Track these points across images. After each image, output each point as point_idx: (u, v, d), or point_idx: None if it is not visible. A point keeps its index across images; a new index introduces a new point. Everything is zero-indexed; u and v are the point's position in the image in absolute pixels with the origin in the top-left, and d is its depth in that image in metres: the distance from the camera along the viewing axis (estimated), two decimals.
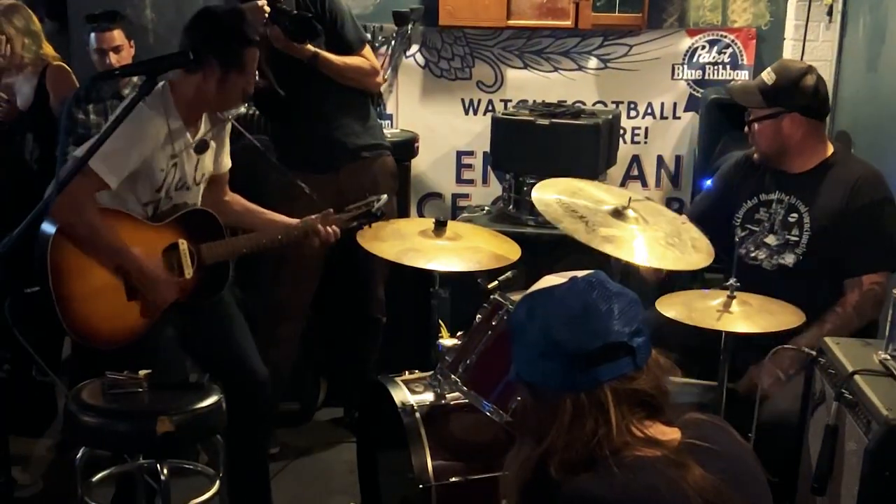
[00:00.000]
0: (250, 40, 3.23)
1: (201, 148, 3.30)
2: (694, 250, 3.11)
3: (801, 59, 4.67)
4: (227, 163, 3.54)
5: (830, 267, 3.27)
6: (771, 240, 3.37)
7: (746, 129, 3.44)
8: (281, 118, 4.15)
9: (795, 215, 3.33)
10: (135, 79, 4.22)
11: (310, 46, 3.92)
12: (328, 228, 3.41)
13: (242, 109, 3.39)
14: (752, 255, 3.39)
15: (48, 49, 4.60)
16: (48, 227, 3.09)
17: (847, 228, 3.25)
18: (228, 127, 3.48)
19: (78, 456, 3.09)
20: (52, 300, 3.06)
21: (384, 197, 3.43)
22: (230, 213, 3.55)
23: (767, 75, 3.37)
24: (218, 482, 3.23)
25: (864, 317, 3.22)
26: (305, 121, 4.07)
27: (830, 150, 3.38)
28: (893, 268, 3.27)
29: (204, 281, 3.31)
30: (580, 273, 1.79)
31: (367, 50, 4.16)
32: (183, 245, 3.26)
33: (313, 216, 3.43)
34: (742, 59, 4.99)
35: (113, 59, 4.26)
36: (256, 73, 3.33)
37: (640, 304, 1.76)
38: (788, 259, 3.33)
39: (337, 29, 4.06)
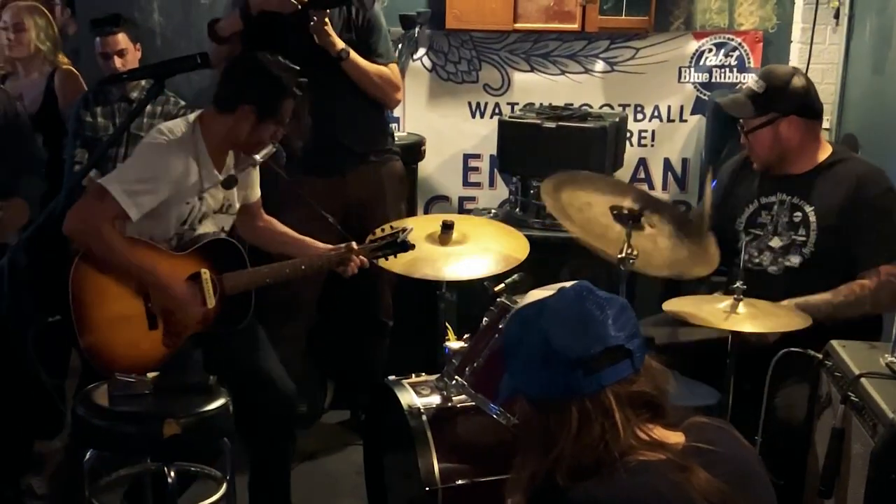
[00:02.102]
0: (289, 92, 3.25)
1: (229, 184, 3.31)
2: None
3: (808, 61, 4.68)
4: (256, 192, 3.55)
5: (838, 264, 3.26)
6: (775, 242, 3.37)
7: (743, 140, 3.44)
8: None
9: (800, 214, 3.33)
10: (143, 82, 4.26)
11: (341, 42, 3.91)
12: (354, 259, 3.39)
13: (273, 149, 3.37)
14: (756, 259, 3.39)
15: (62, 56, 4.64)
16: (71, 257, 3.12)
17: (856, 222, 3.24)
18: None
19: (86, 458, 3.10)
20: (74, 329, 3.08)
21: (410, 227, 3.42)
22: (265, 238, 3.58)
23: (756, 83, 3.38)
24: (225, 485, 3.24)
25: (879, 305, 3.20)
26: (314, 122, 4.06)
27: (829, 149, 3.39)
28: None
29: (226, 311, 3.31)
30: (566, 284, 1.81)
31: (395, 66, 4.13)
32: (206, 274, 3.26)
33: (340, 247, 3.41)
34: (749, 62, 4.98)
35: (117, 62, 4.27)
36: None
37: (631, 308, 1.77)
38: (794, 260, 3.32)
39: (370, 39, 4.04)
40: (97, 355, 3.17)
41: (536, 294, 1.82)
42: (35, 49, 4.52)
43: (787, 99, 3.31)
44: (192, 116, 3.30)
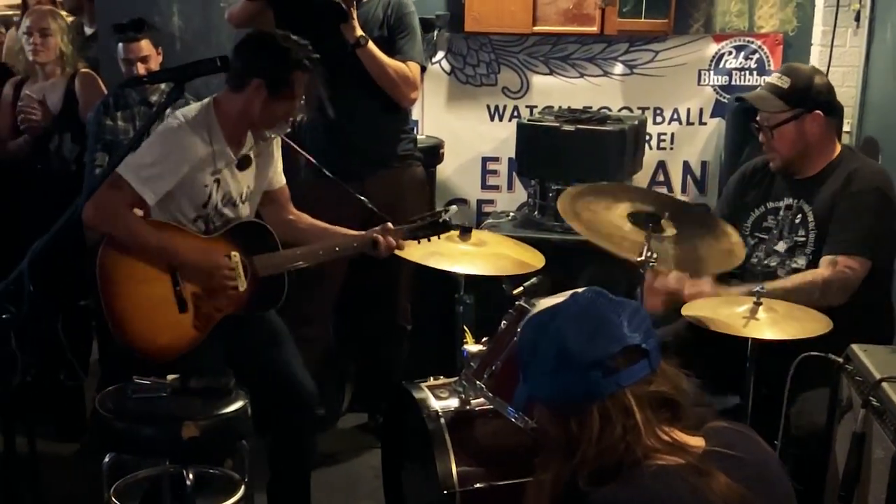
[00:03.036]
0: (300, 63, 3.23)
1: (243, 164, 3.31)
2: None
3: (829, 64, 4.65)
4: (279, 179, 3.54)
5: None
6: (781, 246, 3.38)
7: (762, 137, 3.43)
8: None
9: (800, 216, 3.34)
10: (162, 85, 4.27)
11: (360, 30, 3.89)
12: (388, 240, 3.37)
13: (287, 128, 3.37)
14: (765, 262, 3.39)
15: (81, 61, 4.67)
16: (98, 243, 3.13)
17: (835, 213, 3.25)
18: (276, 144, 3.47)
19: (105, 460, 3.11)
20: (104, 314, 3.09)
21: (453, 208, 3.41)
22: (295, 231, 3.55)
23: (780, 80, 3.38)
24: (243, 487, 3.24)
25: (827, 296, 3.14)
26: (334, 125, 4.05)
27: (838, 150, 3.39)
28: (871, 258, 3.20)
29: (258, 294, 3.31)
30: (578, 290, 1.82)
31: (414, 66, 4.07)
32: (236, 257, 3.26)
33: (375, 229, 3.40)
34: (769, 65, 4.96)
35: (141, 69, 4.27)
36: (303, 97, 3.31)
37: (644, 310, 1.78)
38: (800, 261, 3.33)
39: (399, 38, 4.03)
40: (128, 341, 3.18)
41: (547, 302, 1.82)
42: (59, 53, 4.55)
43: (813, 95, 3.33)
44: (207, 99, 3.30)
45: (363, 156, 4.08)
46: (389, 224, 3.39)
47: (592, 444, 1.68)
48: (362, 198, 3.64)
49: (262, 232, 3.35)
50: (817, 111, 3.31)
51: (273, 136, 3.35)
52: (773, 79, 3.42)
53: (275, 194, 3.54)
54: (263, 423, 3.28)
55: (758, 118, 3.43)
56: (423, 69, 4.19)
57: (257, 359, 3.40)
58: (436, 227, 3.36)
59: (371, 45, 3.91)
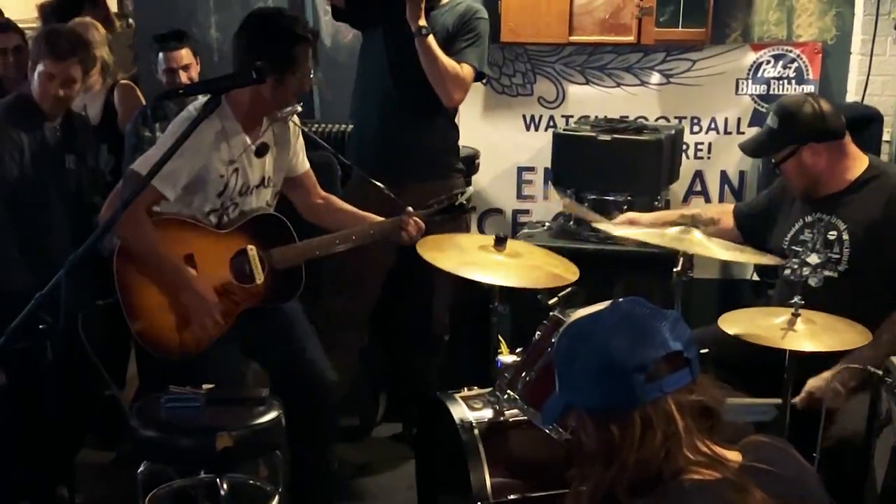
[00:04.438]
0: (300, 37, 3.20)
1: (261, 151, 3.30)
2: None
3: (868, 73, 4.62)
4: (302, 163, 3.52)
5: (873, 278, 3.24)
6: (813, 259, 3.36)
7: (777, 171, 3.48)
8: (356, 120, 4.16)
9: (834, 233, 3.32)
10: (200, 97, 4.29)
11: (424, 20, 3.86)
12: (411, 222, 3.36)
13: (298, 108, 3.36)
14: (798, 272, 3.38)
15: (120, 72, 4.72)
16: (114, 241, 3.15)
17: (891, 240, 3.21)
18: (295, 128, 3.46)
19: (139, 470, 3.13)
20: (123, 312, 3.11)
21: (470, 189, 3.40)
22: (324, 215, 3.55)
23: (771, 119, 3.44)
24: (277, 497, 3.25)
25: None
26: (378, 124, 4.05)
27: (865, 163, 3.37)
28: None
29: (276, 286, 3.31)
30: (618, 300, 1.81)
31: (468, 68, 4.00)
32: (252, 251, 3.27)
33: (396, 218, 3.40)
34: (808, 74, 4.91)
35: (183, 77, 4.30)
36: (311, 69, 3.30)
37: (683, 321, 1.77)
38: (832, 273, 3.32)
39: (462, 39, 3.99)
40: (149, 340, 3.20)
41: (584, 311, 1.81)
42: (101, 64, 4.59)
43: (801, 128, 3.34)
44: None
45: (405, 164, 4.06)
46: (409, 208, 3.40)
47: (633, 451, 1.66)
48: (383, 187, 3.60)
49: (277, 224, 3.35)
50: (810, 143, 3.32)
51: (285, 114, 3.33)
52: (769, 119, 3.48)
53: (300, 179, 3.53)
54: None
55: None
56: (482, 76, 4.16)
57: (274, 346, 3.41)
58: (452, 209, 3.38)
59: (431, 38, 3.87)
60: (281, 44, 3.18)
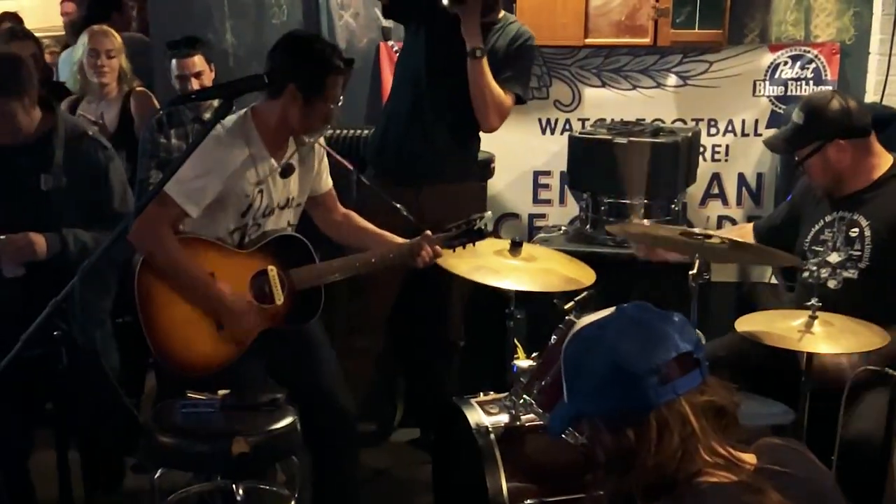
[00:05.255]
0: (335, 66, 3.22)
1: (286, 172, 3.30)
2: None
3: (887, 73, 4.59)
4: (325, 183, 3.53)
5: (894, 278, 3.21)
6: (833, 258, 3.33)
7: (801, 168, 3.45)
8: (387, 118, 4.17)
9: (856, 230, 3.30)
10: (215, 102, 4.30)
11: (481, 41, 3.84)
12: (427, 249, 3.34)
13: (326, 131, 3.38)
14: (816, 274, 3.35)
15: (136, 79, 4.73)
16: (136, 258, 3.15)
17: None
18: (319, 149, 3.47)
19: (156, 476, 3.13)
20: (143, 330, 3.11)
21: (488, 214, 3.39)
22: (343, 232, 3.55)
23: (797, 115, 3.40)
24: (293, 502, 3.25)
25: None
26: (405, 125, 4.04)
27: (890, 161, 3.35)
28: None
29: (295, 307, 3.31)
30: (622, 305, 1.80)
31: (512, 101, 4.01)
32: (272, 271, 3.27)
33: (413, 240, 3.38)
34: (826, 75, 4.88)
35: (195, 84, 4.31)
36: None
37: (689, 323, 1.77)
38: (852, 273, 3.29)
39: (512, 66, 3.99)
40: (168, 358, 3.19)
41: (589, 318, 1.80)
42: (119, 72, 4.61)
43: (828, 124, 3.32)
44: (245, 109, 3.29)
45: (427, 166, 4.06)
46: (428, 232, 3.37)
47: (651, 454, 1.65)
48: (401, 208, 3.58)
49: (298, 245, 3.34)
50: (837, 139, 3.29)
51: (312, 140, 3.35)
52: (794, 115, 3.44)
53: (321, 198, 3.54)
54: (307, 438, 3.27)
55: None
56: (522, 101, 4.14)
57: (296, 372, 3.40)
58: (471, 235, 3.33)
59: (485, 60, 3.86)
60: (316, 70, 3.20)
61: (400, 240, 3.44)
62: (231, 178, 3.16)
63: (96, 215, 3.44)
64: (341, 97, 3.28)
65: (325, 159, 3.51)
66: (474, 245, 3.34)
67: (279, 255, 3.30)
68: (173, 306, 3.17)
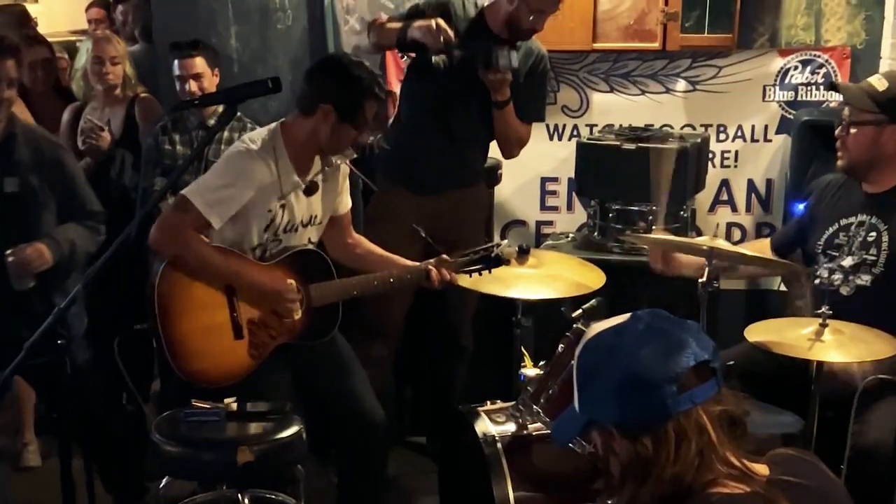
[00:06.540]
0: (373, 94, 3.24)
1: (310, 190, 3.31)
2: None
3: None
4: (345, 204, 3.54)
5: None
6: (847, 262, 3.28)
7: (838, 131, 3.33)
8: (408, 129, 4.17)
9: (874, 234, 3.24)
10: (220, 108, 4.28)
11: (508, 94, 3.92)
12: (442, 273, 3.35)
13: (353, 154, 3.39)
14: (827, 279, 3.30)
15: (140, 85, 4.72)
16: (156, 266, 3.13)
17: None
18: (344, 170, 3.48)
19: (161, 485, 3.12)
20: (160, 338, 3.09)
21: (505, 242, 3.39)
22: (353, 255, 3.57)
23: (878, 81, 3.27)
24: None
25: None
26: (434, 139, 4.05)
27: None
28: None
29: (313, 323, 3.31)
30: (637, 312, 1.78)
31: (530, 129, 4.13)
32: (292, 285, 3.26)
33: (430, 261, 3.39)
34: (836, 80, 4.84)
35: (193, 85, 4.28)
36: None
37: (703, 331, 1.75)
38: (865, 278, 3.24)
39: (533, 97, 4.07)
40: (184, 366, 3.18)
41: (602, 324, 1.76)
42: (123, 77, 4.61)
43: None
44: (275, 123, 3.31)
45: (448, 175, 4.10)
46: (445, 256, 3.37)
47: (669, 464, 1.64)
48: (420, 230, 3.57)
49: (317, 260, 3.34)
50: None
51: (339, 161, 3.36)
52: (874, 79, 3.32)
53: (339, 219, 3.55)
54: (326, 447, 3.24)
55: (845, 110, 3.34)
56: (533, 121, 4.22)
57: (327, 387, 3.41)
58: (488, 262, 3.35)
59: (509, 108, 3.96)
60: (353, 94, 3.22)
61: (412, 263, 3.45)
62: (256, 194, 3.16)
63: (68, 211, 3.50)
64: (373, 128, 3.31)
65: (347, 180, 3.51)
66: (490, 272, 3.35)
67: (299, 269, 3.30)
68: (190, 316, 3.16)
